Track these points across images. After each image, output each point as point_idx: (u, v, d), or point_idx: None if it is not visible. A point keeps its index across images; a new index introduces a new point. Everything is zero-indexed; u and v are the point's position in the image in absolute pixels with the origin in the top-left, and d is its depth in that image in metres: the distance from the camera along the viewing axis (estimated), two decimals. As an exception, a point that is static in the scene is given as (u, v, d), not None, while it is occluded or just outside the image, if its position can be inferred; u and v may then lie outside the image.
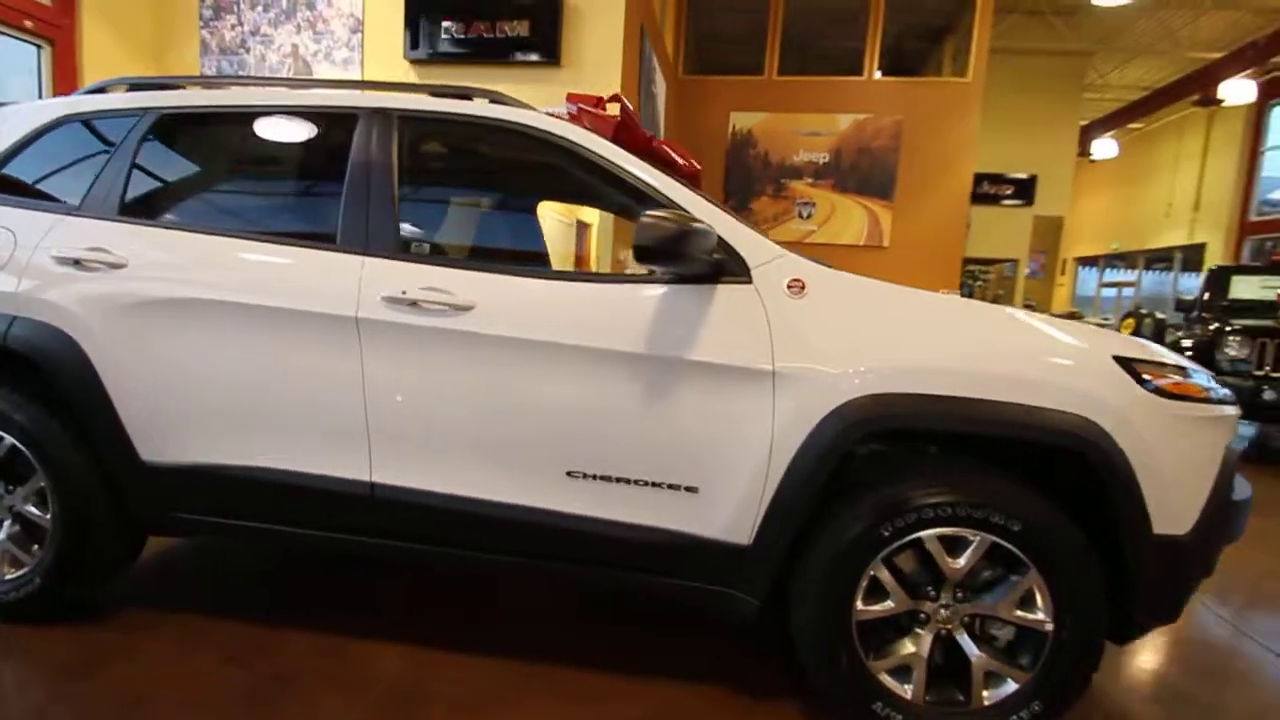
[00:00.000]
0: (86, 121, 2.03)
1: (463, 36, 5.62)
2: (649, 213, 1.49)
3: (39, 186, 2.07)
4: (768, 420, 1.59)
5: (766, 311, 1.62)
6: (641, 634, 2.08)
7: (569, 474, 1.68)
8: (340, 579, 2.32)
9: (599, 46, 5.64)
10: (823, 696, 1.72)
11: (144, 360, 1.80)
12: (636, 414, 1.65)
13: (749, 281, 1.65)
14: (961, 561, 1.57)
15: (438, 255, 1.96)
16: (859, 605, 1.60)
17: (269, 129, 2.00)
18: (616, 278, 1.81)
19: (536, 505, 1.70)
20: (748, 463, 1.61)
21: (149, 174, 1.98)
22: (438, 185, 2.21)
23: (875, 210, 8.49)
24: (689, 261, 1.54)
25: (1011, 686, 1.58)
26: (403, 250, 1.79)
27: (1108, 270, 15.49)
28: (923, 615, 1.62)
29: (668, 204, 1.71)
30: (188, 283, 1.80)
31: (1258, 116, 10.85)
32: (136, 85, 2.09)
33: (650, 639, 2.06)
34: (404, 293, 1.69)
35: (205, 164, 2.13)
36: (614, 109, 2.23)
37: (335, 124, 1.92)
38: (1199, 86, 9.95)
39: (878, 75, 8.44)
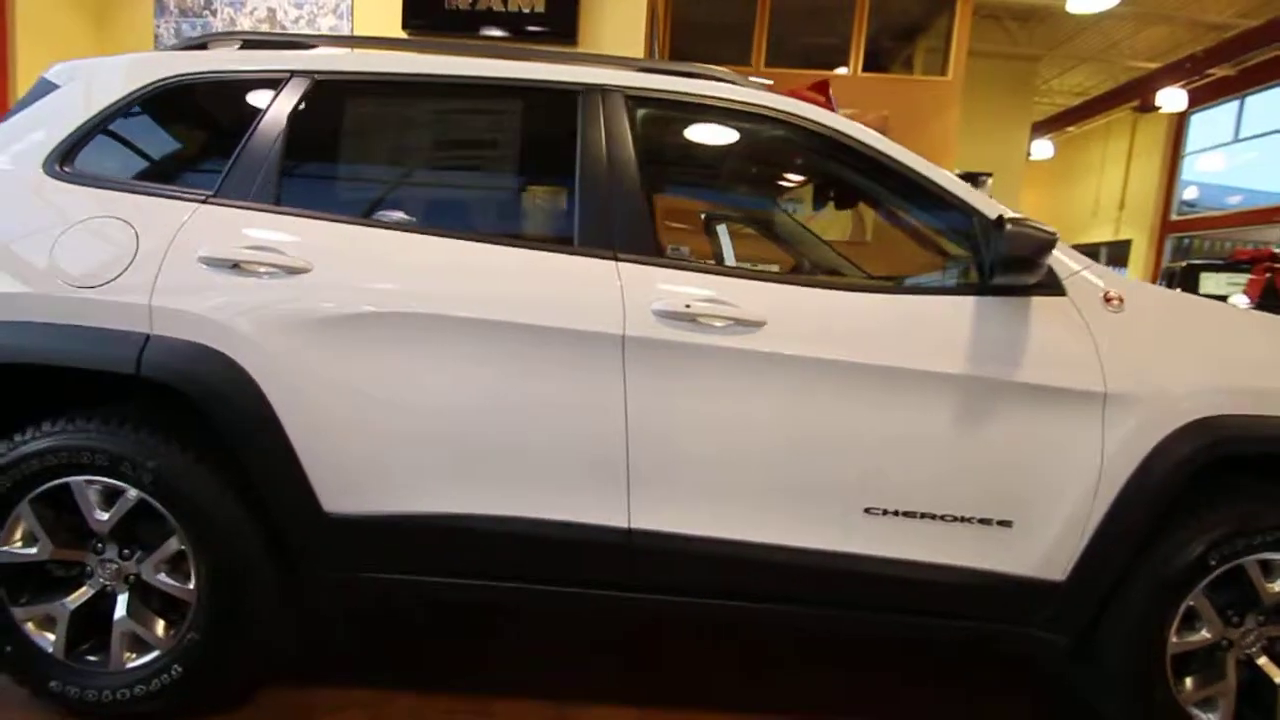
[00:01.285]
0: (203, 85, 1.61)
1: (469, 8, 5.19)
2: (1014, 220, 1.32)
3: (142, 165, 1.64)
4: (1096, 446, 1.45)
5: (1090, 328, 1.47)
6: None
7: (867, 511, 1.48)
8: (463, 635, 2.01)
9: (619, 27, 5.35)
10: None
11: (336, 389, 1.44)
12: (948, 441, 1.46)
13: (1062, 294, 1.49)
14: (1278, 585, 1.50)
15: (697, 260, 1.68)
16: (1173, 638, 1.50)
17: (462, 105, 1.65)
18: (917, 287, 1.61)
19: (828, 548, 1.48)
20: (1071, 493, 1.46)
21: (309, 154, 1.59)
22: (680, 177, 1.91)
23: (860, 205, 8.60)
24: (1041, 272, 1.37)
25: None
26: (658, 254, 1.51)
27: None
28: (1225, 643, 1.54)
29: (962, 205, 1.53)
30: (396, 294, 1.44)
31: (1179, 122, 11.80)
32: (252, 42, 1.69)
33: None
34: (688, 306, 1.42)
35: (381, 144, 1.74)
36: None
37: (548, 102, 1.60)
38: (1138, 94, 10.73)
39: (862, 72, 8.52)
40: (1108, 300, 1.50)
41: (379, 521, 1.48)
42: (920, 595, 1.52)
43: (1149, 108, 10.62)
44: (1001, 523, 1.48)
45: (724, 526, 1.48)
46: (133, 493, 1.45)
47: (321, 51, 1.62)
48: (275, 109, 1.56)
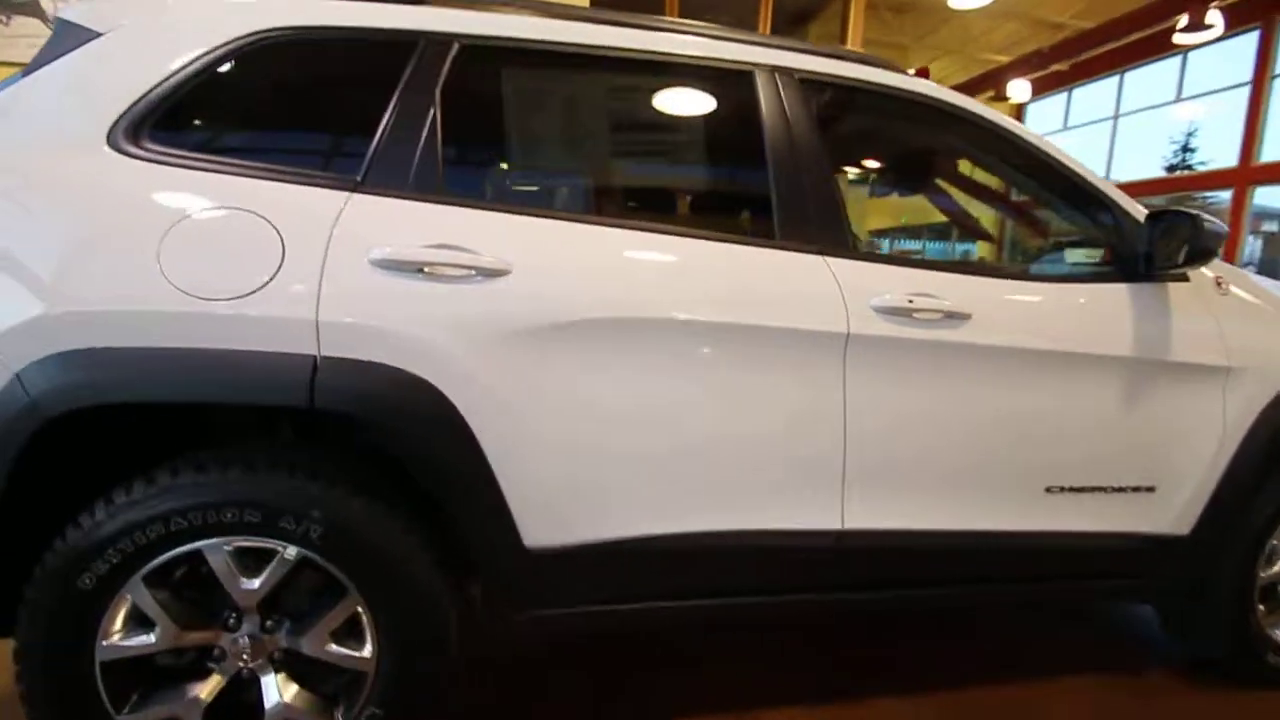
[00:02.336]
0: (318, 42, 1.30)
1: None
2: (1206, 215, 1.43)
3: (243, 140, 1.31)
4: (1220, 416, 1.64)
5: (1210, 309, 1.65)
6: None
7: (1048, 490, 1.57)
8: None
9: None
10: (1225, 658, 1.83)
11: (543, 408, 1.25)
12: (1112, 418, 1.58)
13: (1186, 279, 1.66)
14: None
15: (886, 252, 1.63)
16: (1260, 573, 1.76)
17: (631, 82, 1.46)
18: (1077, 276, 1.68)
19: (1014, 529, 1.56)
20: (1201, 456, 1.64)
21: (467, 134, 1.34)
22: (851, 166, 1.82)
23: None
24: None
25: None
26: (854, 247, 1.46)
27: (899, 242, 18.54)
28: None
29: (1111, 201, 1.65)
30: (611, 297, 1.27)
31: (1016, 112, 13.51)
32: None
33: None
34: (910, 301, 1.39)
35: (544, 124, 1.49)
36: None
37: (723, 82, 1.48)
38: (992, 85, 12.09)
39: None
40: (1218, 284, 1.70)
41: (586, 550, 1.33)
42: (1081, 562, 1.64)
43: (1001, 98, 12.04)
44: (1148, 489, 1.64)
45: (925, 518, 1.49)
46: (292, 551, 1.18)
47: (468, 14, 1.36)
48: (419, 78, 1.29)
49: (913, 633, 2.04)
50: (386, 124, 1.26)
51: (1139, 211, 1.64)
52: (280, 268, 1.15)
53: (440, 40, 1.31)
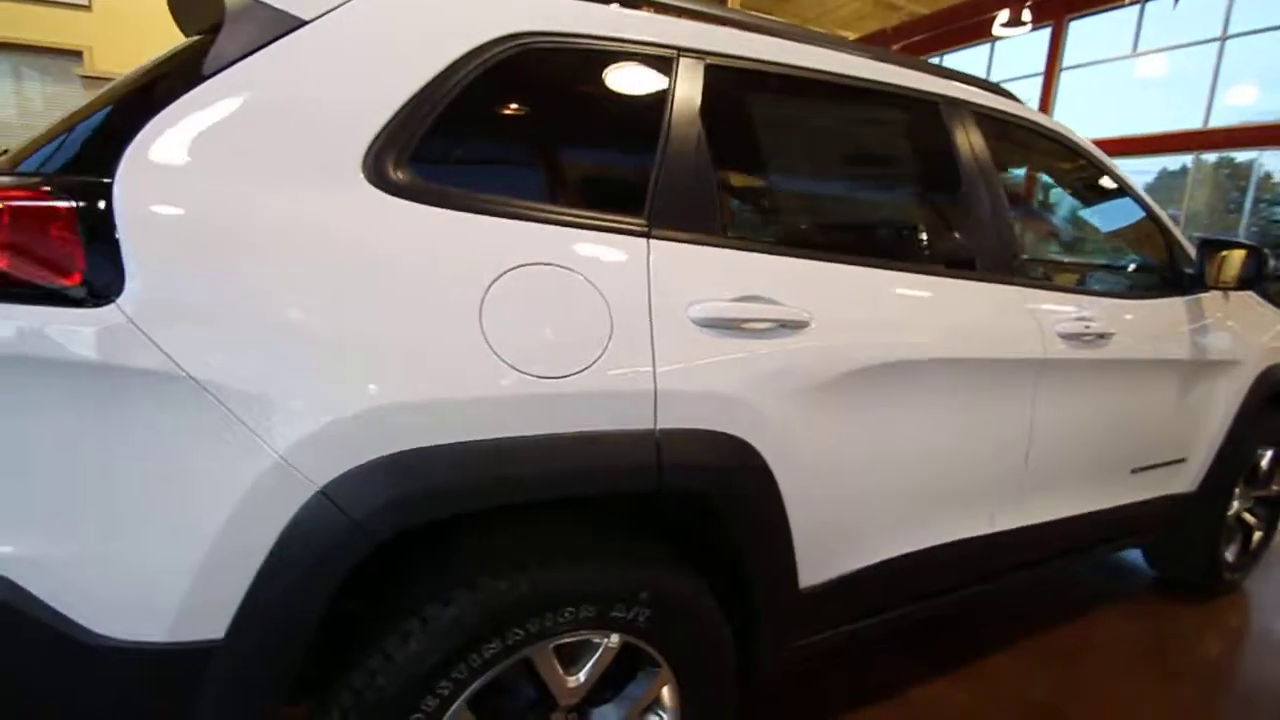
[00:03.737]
0: (568, 52, 1.10)
1: None
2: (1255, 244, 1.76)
3: (496, 171, 1.09)
4: (1226, 396, 2.07)
5: (1225, 313, 2.05)
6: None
7: (1132, 471, 1.88)
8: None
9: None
10: (1197, 579, 2.34)
11: (829, 455, 1.24)
12: (1175, 408, 1.93)
13: (1206, 290, 2.04)
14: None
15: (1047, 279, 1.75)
16: (1229, 513, 2.27)
17: (865, 113, 1.42)
18: (1151, 291, 1.96)
19: (1108, 506, 1.85)
20: (1212, 430, 2.06)
21: (732, 166, 1.22)
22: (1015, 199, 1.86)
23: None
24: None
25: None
26: (1034, 278, 1.60)
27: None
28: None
29: (1166, 230, 1.95)
30: (892, 341, 1.28)
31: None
32: None
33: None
34: (1087, 327, 1.56)
35: (791, 154, 1.37)
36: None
37: (917, 113, 1.50)
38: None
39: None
40: (1225, 295, 2.10)
41: (839, 583, 1.36)
42: (1135, 523, 2.00)
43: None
44: (1180, 460, 2.03)
45: (1060, 509, 1.73)
46: (614, 639, 1.08)
47: (712, 30, 1.22)
48: (683, 102, 1.16)
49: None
50: (661, 155, 1.13)
51: (1185, 239, 1.97)
52: (612, 332, 1.01)
53: (699, 59, 1.19)
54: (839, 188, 1.53)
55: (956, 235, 1.50)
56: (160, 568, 0.82)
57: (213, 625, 0.84)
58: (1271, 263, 1.84)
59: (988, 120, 1.62)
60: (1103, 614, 2.25)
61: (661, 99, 1.15)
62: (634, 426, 1.02)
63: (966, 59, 13.20)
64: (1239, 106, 10.40)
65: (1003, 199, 1.56)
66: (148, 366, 0.78)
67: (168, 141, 0.84)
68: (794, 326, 1.17)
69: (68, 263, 0.77)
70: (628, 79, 1.15)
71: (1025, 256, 1.66)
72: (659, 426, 1.03)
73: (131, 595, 0.83)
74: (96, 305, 0.77)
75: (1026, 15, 9.20)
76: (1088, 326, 1.59)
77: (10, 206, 0.77)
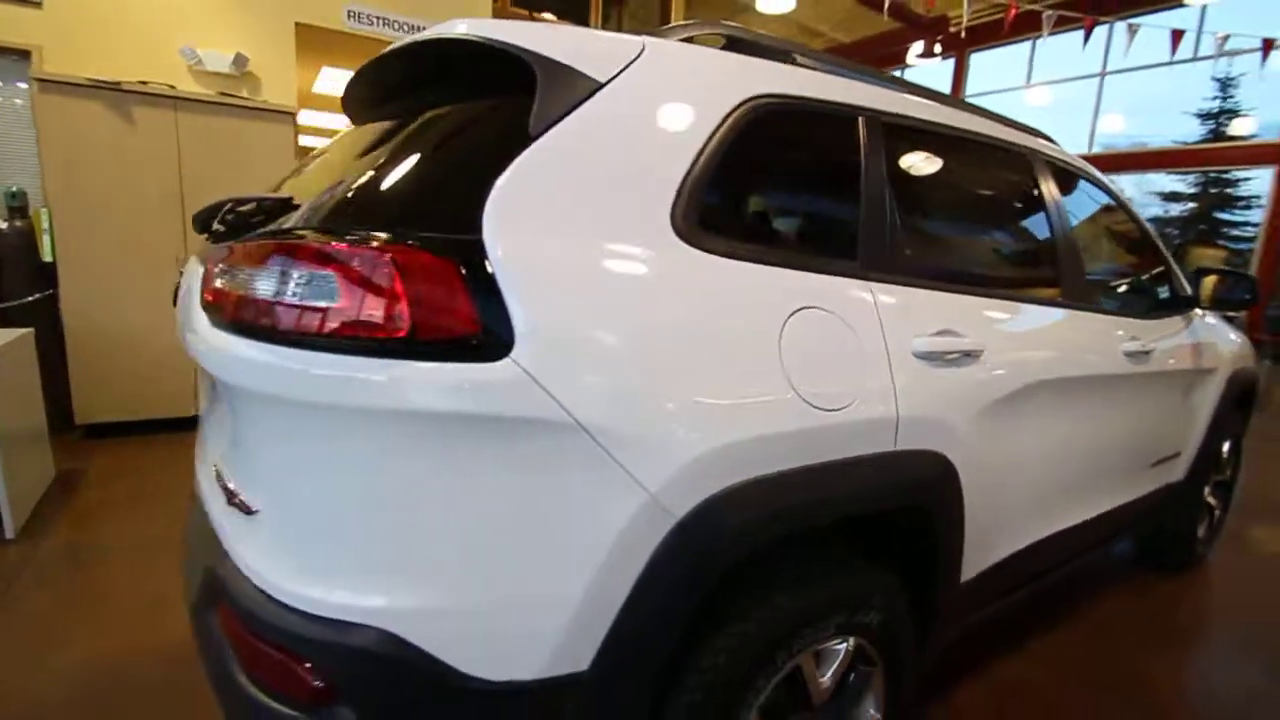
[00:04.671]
0: (791, 112, 1.22)
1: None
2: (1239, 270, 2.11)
3: (746, 221, 1.18)
4: (1207, 397, 2.45)
5: (1205, 328, 2.43)
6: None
7: (1151, 465, 2.20)
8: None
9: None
10: (1181, 553, 2.73)
11: (986, 467, 1.42)
12: (1177, 410, 2.27)
13: (1206, 312, 2.41)
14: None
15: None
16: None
17: (984, 162, 1.63)
18: (1167, 313, 2.27)
19: (1137, 495, 2.16)
20: (1198, 427, 2.44)
21: (909, 214, 1.37)
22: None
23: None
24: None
25: None
26: (1096, 302, 1.86)
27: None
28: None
29: (1165, 258, 2.30)
30: (1036, 364, 1.50)
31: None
32: (736, 41, 1.32)
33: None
34: (1139, 346, 1.85)
35: (933, 199, 1.52)
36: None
37: (1019, 164, 1.73)
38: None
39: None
40: (1202, 312, 2.49)
41: (983, 575, 1.55)
42: (1149, 511, 2.33)
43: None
44: (1177, 454, 2.39)
45: (1112, 499, 2.01)
46: (851, 643, 1.21)
47: (878, 91, 1.37)
48: (873, 157, 1.31)
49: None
50: (864, 203, 1.27)
51: (1176, 266, 2.34)
52: (864, 365, 1.14)
53: (875, 118, 1.34)
54: (984, 232, 1.74)
55: (1058, 271, 1.74)
56: (535, 610, 0.87)
57: (578, 659, 0.89)
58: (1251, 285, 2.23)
59: (1059, 169, 1.88)
60: (1115, 592, 2.59)
61: (857, 153, 1.30)
62: (883, 450, 1.15)
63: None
64: (1109, 134, 11.87)
65: (1077, 243, 1.82)
66: (546, 417, 0.83)
67: (517, 201, 0.88)
68: (974, 355, 1.35)
69: (466, 319, 0.81)
70: (833, 136, 1.29)
71: (1098, 288, 1.94)
72: (898, 448, 1.18)
73: (505, 639, 0.87)
74: (495, 359, 0.81)
75: (937, 49, 10.09)
76: (1139, 346, 1.88)
77: (418, 265, 0.80)
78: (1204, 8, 8.82)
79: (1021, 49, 11.78)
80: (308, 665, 0.82)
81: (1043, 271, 1.72)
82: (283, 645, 0.83)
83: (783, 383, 1.02)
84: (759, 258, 1.08)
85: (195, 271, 1.23)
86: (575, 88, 0.99)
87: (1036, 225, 1.74)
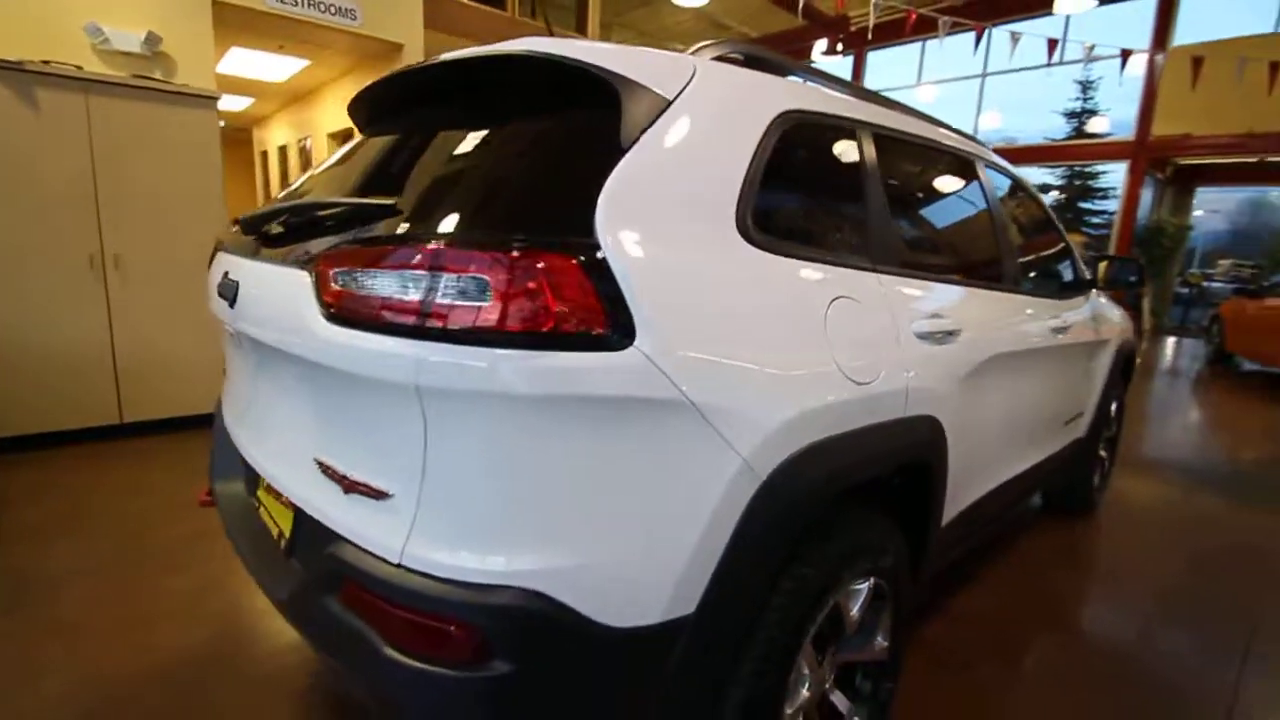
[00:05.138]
0: (814, 126, 1.41)
1: None
2: (1130, 257, 2.52)
3: (782, 221, 1.34)
4: (1101, 366, 2.88)
5: (1102, 306, 2.86)
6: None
7: (1065, 423, 2.58)
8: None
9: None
10: (1081, 501, 3.18)
11: (963, 427, 1.67)
12: (1081, 375, 2.68)
13: (1101, 291, 2.83)
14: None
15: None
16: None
17: (950, 166, 1.88)
18: (1073, 293, 2.64)
19: (1054, 452, 2.53)
20: (1096, 388, 2.88)
21: (897, 215, 1.58)
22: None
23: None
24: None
25: None
26: (1028, 286, 2.18)
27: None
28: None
29: (1069, 245, 2.68)
30: (997, 340, 1.77)
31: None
32: (752, 59, 1.49)
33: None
34: (1061, 323, 2.18)
35: (912, 201, 1.72)
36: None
37: (969, 167, 1.99)
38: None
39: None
40: (1098, 292, 2.92)
41: (956, 519, 1.81)
42: (1062, 464, 2.73)
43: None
44: (1081, 414, 2.80)
45: (1041, 453, 2.35)
46: (871, 582, 1.42)
47: (869, 106, 1.57)
48: (870, 164, 1.52)
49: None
50: (866, 208, 1.48)
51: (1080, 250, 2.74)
52: (884, 345, 1.34)
53: (870, 130, 1.55)
54: (951, 228, 1.99)
55: (1004, 261, 2.03)
56: (656, 563, 1.00)
57: (687, 604, 1.03)
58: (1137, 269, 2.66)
59: (998, 171, 2.18)
60: (1031, 534, 3.01)
61: (861, 159, 1.50)
62: (898, 416, 1.36)
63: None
64: (987, 130, 13.06)
65: (1013, 230, 2.12)
66: (664, 397, 0.96)
67: (622, 206, 0.99)
68: (955, 335, 1.58)
69: (599, 315, 0.92)
70: (841, 145, 1.48)
71: (1028, 273, 2.26)
72: (908, 414, 1.39)
73: (632, 590, 0.99)
74: (622, 349, 0.93)
75: (839, 46, 10.75)
76: (1060, 322, 2.23)
77: (560, 269, 0.90)
78: (1067, 18, 9.89)
79: (913, 50, 12.70)
80: (462, 627, 0.92)
81: (993, 261, 2.00)
82: (435, 613, 0.92)
83: (831, 361, 1.20)
84: (800, 254, 1.25)
85: (253, 269, 1.25)
86: (651, 105, 1.11)
87: (986, 221, 2.02)
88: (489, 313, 0.87)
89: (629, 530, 0.98)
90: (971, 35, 7.49)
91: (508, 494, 0.92)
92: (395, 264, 0.92)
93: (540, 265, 0.89)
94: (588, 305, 0.91)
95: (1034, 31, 7.88)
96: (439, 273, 0.89)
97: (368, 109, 1.56)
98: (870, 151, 1.53)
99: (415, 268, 0.90)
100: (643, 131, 1.07)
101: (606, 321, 0.92)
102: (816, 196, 1.44)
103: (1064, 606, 2.39)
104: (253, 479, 1.45)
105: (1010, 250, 2.08)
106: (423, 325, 0.89)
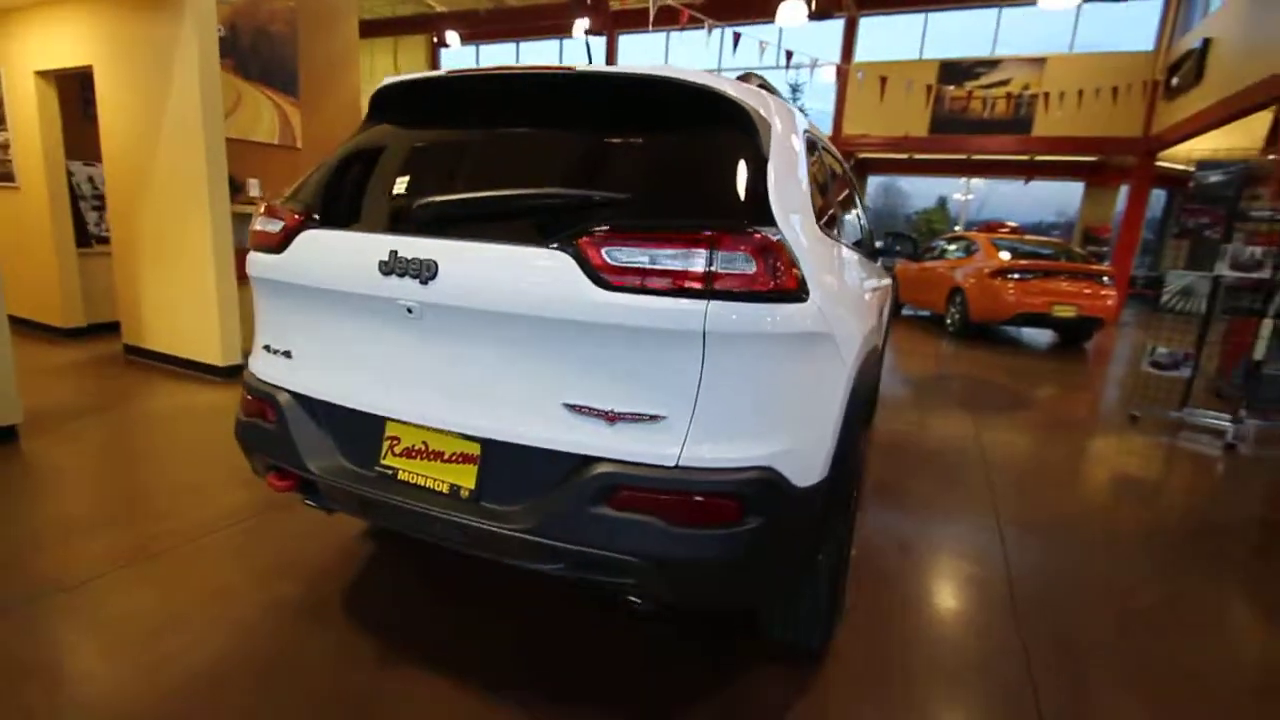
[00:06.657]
0: (816, 139, 1.98)
1: None
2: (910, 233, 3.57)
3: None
4: (885, 311, 4.00)
5: (883, 269, 3.95)
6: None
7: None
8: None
9: None
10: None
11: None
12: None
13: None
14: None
15: None
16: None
17: (833, 159, 2.51)
18: (875, 258, 3.58)
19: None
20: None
21: (831, 197, 2.21)
22: None
23: (284, 107, 7.98)
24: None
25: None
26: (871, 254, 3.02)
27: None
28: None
29: (865, 221, 3.68)
30: (868, 290, 2.51)
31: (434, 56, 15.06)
32: (767, 86, 2.01)
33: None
34: (880, 279, 3.09)
35: (830, 189, 2.30)
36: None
37: (839, 158, 2.72)
38: (431, 28, 13.28)
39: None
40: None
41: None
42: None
43: (443, 44, 13.36)
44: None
45: None
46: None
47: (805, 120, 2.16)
48: (819, 164, 2.07)
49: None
50: (858, 201, 2.10)
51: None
52: (869, 290, 1.98)
53: (813, 138, 2.15)
54: (844, 205, 2.68)
55: (863, 230, 2.84)
56: (820, 442, 1.47)
57: (824, 469, 1.54)
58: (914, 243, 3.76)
59: (842, 160, 2.99)
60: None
61: (822, 162, 2.08)
62: (876, 344, 2.02)
63: (542, 49, 15.19)
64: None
65: (860, 208, 2.96)
66: (824, 331, 1.43)
67: (779, 202, 1.40)
68: (866, 287, 2.31)
69: (797, 278, 1.33)
70: (815, 153, 2.04)
71: (866, 241, 3.13)
72: (879, 344, 2.06)
73: (809, 461, 1.43)
74: (805, 301, 1.38)
75: (582, 22, 11.48)
76: (878, 281, 3.17)
77: (778, 247, 1.31)
78: (780, 29, 11.91)
79: (659, 37, 14.00)
80: (729, 498, 1.30)
81: (861, 230, 2.80)
82: (711, 492, 1.29)
83: (867, 308, 1.80)
84: (839, 240, 1.82)
85: (459, 249, 1.38)
86: (764, 125, 1.52)
87: (854, 199, 2.81)
88: (753, 279, 1.26)
89: (811, 420, 1.44)
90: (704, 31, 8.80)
91: (752, 403, 1.32)
92: (683, 244, 1.23)
93: (772, 244, 1.30)
94: (792, 273, 1.35)
95: (752, 35, 9.50)
96: (720, 251, 1.24)
97: (430, 103, 1.70)
98: (816, 154, 2.11)
99: (702, 246, 1.23)
100: (769, 146, 1.51)
101: (798, 284, 1.35)
102: (825, 193, 2.01)
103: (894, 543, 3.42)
104: (369, 451, 1.55)
105: (863, 223, 2.91)
106: (710, 288, 1.24)
